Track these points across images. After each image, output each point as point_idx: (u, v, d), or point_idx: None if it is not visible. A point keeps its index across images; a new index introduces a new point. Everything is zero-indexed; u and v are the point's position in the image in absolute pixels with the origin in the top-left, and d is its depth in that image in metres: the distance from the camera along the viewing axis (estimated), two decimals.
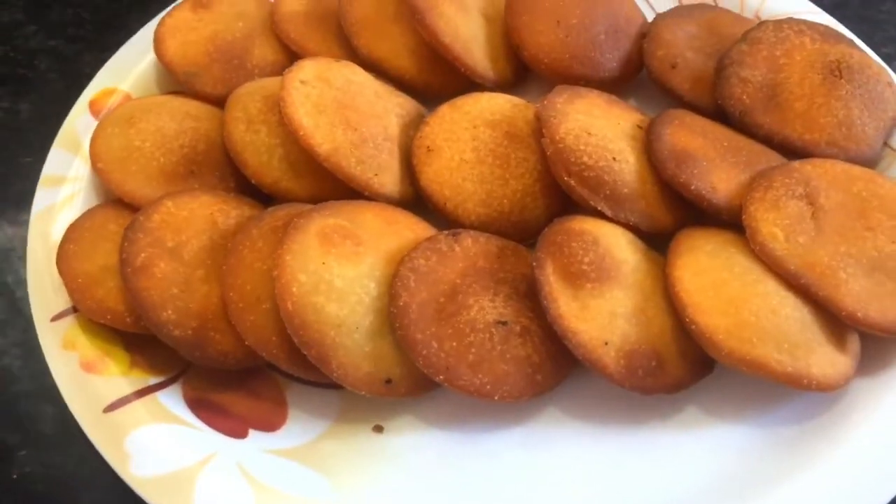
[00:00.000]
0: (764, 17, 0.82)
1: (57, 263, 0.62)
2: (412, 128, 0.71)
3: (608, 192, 0.65)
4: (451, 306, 0.60)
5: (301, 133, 0.65)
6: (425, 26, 0.73)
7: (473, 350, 0.59)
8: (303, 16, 0.78)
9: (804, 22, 0.76)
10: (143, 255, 0.61)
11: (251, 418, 0.61)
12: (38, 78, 0.87)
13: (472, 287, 0.61)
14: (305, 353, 0.57)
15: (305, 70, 0.69)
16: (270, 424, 0.61)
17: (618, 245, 0.63)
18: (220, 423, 0.59)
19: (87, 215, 0.66)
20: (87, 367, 0.60)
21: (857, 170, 0.67)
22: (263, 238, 0.62)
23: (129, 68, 0.78)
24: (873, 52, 0.78)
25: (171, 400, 0.59)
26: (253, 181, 0.67)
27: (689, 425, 0.61)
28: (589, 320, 0.59)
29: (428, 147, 0.69)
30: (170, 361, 0.61)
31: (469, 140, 0.69)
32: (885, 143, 0.73)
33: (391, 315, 0.59)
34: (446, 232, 0.64)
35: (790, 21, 0.76)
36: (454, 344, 0.58)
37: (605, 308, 0.60)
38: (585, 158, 0.65)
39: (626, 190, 0.65)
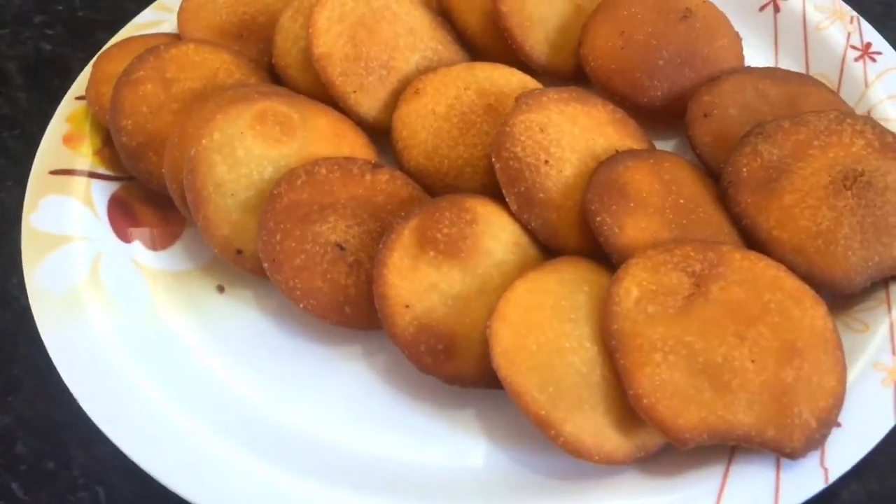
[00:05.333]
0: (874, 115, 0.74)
1: (97, 58, 0.79)
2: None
3: (522, 189, 0.66)
4: (315, 215, 0.66)
5: (311, 30, 0.74)
6: None
7: (303, 256, 0.65)
8: None
9: (876, 125, 0.68)
10: (141, 72, 0.74)
11: (145, 234, 0.73)
12: None
13: (345, 209, 0.66)
14: (186, 195, 0.67)
15: None
16: (155, 244, 0.72)
17: (495, 237, 0.65)
18: (117, 221, 0.72)
19: (146, 36, 0.81)
20: (68, 139, 0.76)
21: (790, 283, 0.60)
22: (229, 99, 0.72)
23: None
24: None
25: (102, 189, 0.73)
26: (272, 61, 0.78)
27: (457, 422, 0.63)
28: (407, 280, 0.62)
29: (417, 89, 0.74)
30: None
31: (452, 97, 0.73)
32: (886, 286, 0.64)
33: (266, 196, 0.67)
34: (371, 161, 0.70)
35: (859, 118, 0.68)
36: (293, 244, 0.65)
37: (430, 278, 0.62)
38: (518, 149, 0.66)
39: (541, 195, 0.66)
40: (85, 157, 0.75)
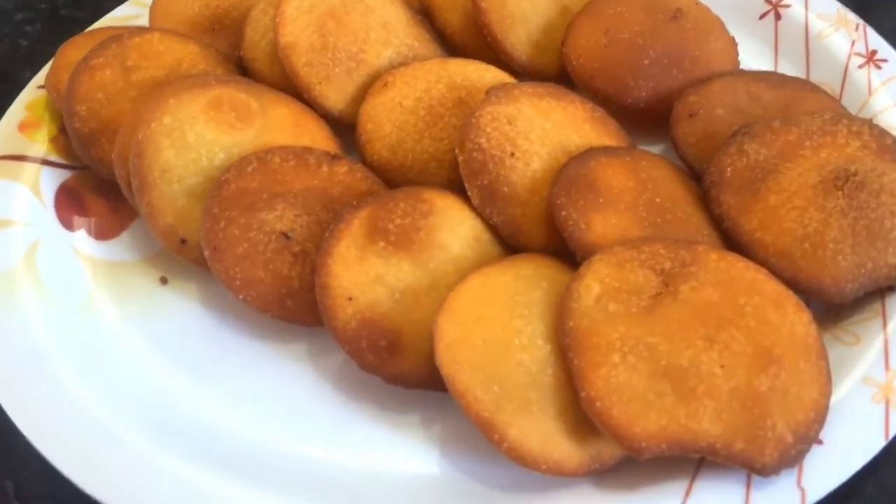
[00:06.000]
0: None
1: (62, 46, 0.76)
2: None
3: (485, 182, 0.61)
4: (261, 203, 0.62)
5: (278, 19, 0.71)
6: None
7: (246, 244, 0.60)
8: None
9: (874, 126, 0.62)
10: (101, 58, 0.71)
11: (91, 223, 0.69)
12: None
13: (295, 199, 0.62)
14: (132, 180, 0.64)
15: None
16: (100, 233, 0.69)
17: (452, 231, 0.60)
18: (64, 209, 0.69)
19: (116, 27, 0.79)
20: (24, 126, 0.73)
21: (771, 286, 0.55)
22: (185, 85, 0.69)
23: None
24: None
25: (52, 177, 0.70)
26: (240, 54, 0.75)
27: (399, 427, 0.58)
28: (352, 271, 0.58)
29: (386, 82, 0.70)
30: None
31: (421, 90, 0.69)
32: (882, 297, 0.59)
33: (213, 183, 0.63)
34: (329, 152, 0.66)
35: (856, 119, 0.63)
36: (236, 232, 0.61)
37: (376, 269, 0.58)
38: (483, 140, 0.62)
39: (505, 189, 0.61)
40: (40, 144, 0.72)
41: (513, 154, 0.62)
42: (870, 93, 0.72)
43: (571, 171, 0.61)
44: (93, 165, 0.69)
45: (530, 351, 0.52)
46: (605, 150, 0.63)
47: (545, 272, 0.57)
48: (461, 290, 0.55)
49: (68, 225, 0.68)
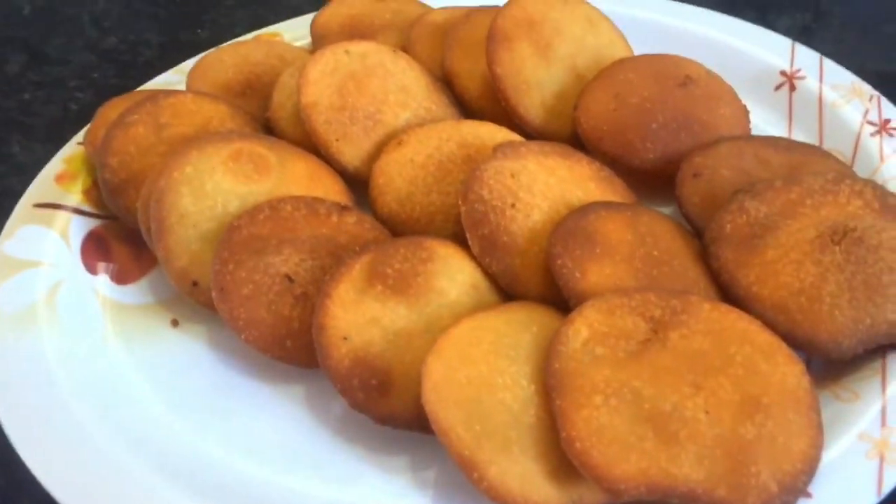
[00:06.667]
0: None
1: (102, 106, 0.81)
2: None
3: (486, 232, 0.62)
4: (269, 247, 0.64)
5: (301, 80, 0.74)
6: (488, 52, 0.77)
7: (251, 286, 0.62)
8: (436, 26, 0.87)
9: (877, 186, 0.62)
10: (136, 116, 0.75)
11: (112, 268, 0.72)
12: None
13: (303, 244, 0.64)
14: (151, 225, 0.66)
15: (360, 46, 0.78)
16: (120, 278, 0.71)
17: (451, 278, 0.61)
18: (89, 254, 0.72)
19: (155, 90, 0.83)
20: (60, 178, 0.77)
21: (763, 337, 0.54)
22: (211, 142, 0.72)
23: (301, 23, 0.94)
24: None
25: (81, 225, 0.73)
26: (267, 114, 0.78)
27: (390, 470, 0.58)
28: (349, 313, 0.59)
29: (400, 140, 0.72)
30: None
31: (433, 147, 0.71)
32: (883, 355, 0.57)
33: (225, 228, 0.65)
34: (339, 203, 0.68)
35: (860, 179, 0.63)
36: (243, 274, 0.62)
37: (373, 312, 0.59)
38: (485, 192, 0.63)
39: (505, 238, 0.62)
40: (73, 194, 0.75)
41: (513, 205, 0.63)
42: (881, 160, 0.72)
43: (570, 222, 0.62)
44: (120, 214, 0.73)
45: (513, 391, 0.52)
46: (605, 205, 0.64)
47: (537, 318, 0.58)
48: (452, 332, 0.56)
49: (91, 269, 0.71)
